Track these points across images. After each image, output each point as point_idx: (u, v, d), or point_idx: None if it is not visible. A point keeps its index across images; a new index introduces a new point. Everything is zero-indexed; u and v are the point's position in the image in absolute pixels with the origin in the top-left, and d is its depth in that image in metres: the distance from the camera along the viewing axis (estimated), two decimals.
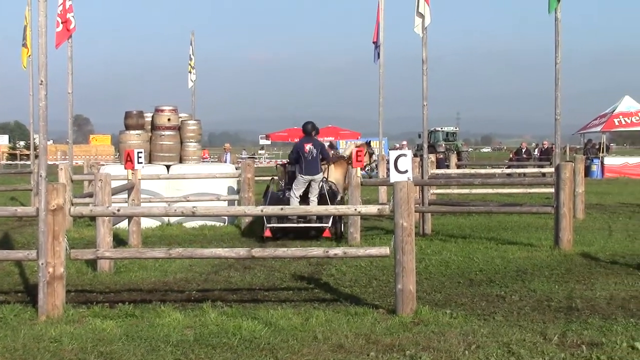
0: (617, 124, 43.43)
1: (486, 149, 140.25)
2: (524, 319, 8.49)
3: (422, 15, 15.55)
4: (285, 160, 20.05)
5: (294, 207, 9.68)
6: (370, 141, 25.56)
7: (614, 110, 43.81)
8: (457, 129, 66.42)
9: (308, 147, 16.02)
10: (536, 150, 46.43)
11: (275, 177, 17.78)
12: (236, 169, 20.63)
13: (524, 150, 44.79)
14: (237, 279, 11.30)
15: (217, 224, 18.18)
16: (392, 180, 8.86)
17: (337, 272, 11.66)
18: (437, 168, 27.09)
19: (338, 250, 9.51)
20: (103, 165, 25.67)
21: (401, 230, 8.60)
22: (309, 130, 16.42)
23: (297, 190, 15.76)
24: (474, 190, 22.59)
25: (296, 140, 18.94)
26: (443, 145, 54.64)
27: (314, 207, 9.93)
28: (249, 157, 53.74)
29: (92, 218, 15.61)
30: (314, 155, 15.99)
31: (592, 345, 7.14)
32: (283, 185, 17.03)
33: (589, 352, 6.91)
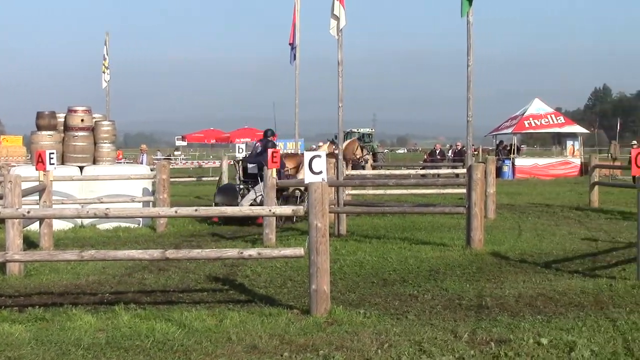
0: (527, 125, 44.45)
1: (402, 150, 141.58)
2: (435, 317, 8.64)
3: (337, 17, 15.65)
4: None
5: (207, 208, 9.64)
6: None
7: (524, 113, 44.82)
8: (373, 130, 66.90)
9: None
10: (450, 151, 47.18)
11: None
12: (151, 170, 20.42)
13: (437, 152, 45.50)
14: (151, 281, 11.21)
15: (132, 225, 17.97)
16: (306, 182, 8.92)
17: (252, 273, 11.66)
18: (353, 169, 27.30)
19: (253, 251, 9.52)
20: (14, 166, 25.08)
21: (315, 231, 8.65)
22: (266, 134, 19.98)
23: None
24: (389, 191, 22.87)
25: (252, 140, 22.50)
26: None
27: (229, 209, 9.90)
28: (164, 158, 53.21)
29: (2, 220, 15.26)
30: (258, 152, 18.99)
31: (500, 342, 7.31)
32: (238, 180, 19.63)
33: (497, 349, 7.07)
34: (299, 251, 9.06)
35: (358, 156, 24.51)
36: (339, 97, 15.91)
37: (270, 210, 10.05)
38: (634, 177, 11.21)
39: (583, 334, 7.59)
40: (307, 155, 9.17)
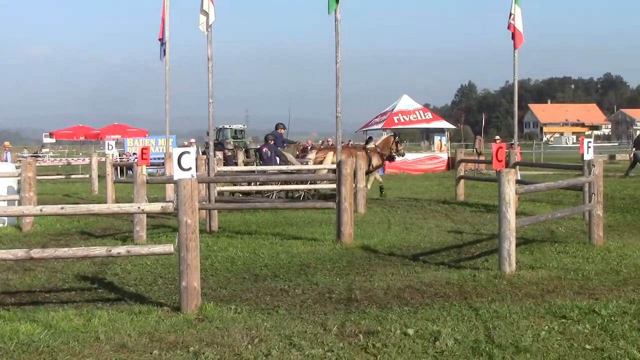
0: (396, 121, 45.29)
1: None
2: (306, 311, 8.73)
3: (206, 13, 15.59)
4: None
5: (74, 206, 9.42)
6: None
7: (393, 109, 45.69)
8: (246, 126, 66.88)
9: (264, 150, 22.96)
10: (322, 147, 47.54)
11: None
12: (17, 168, 19.80)
13: (309, 147, 45.75)
14: (16, 282, 10.89)
15: None
16: (175, 178, 8.85)
17: (122, 271, 11.50)
18: (225, 165, 27.19)
19: (121, 249, 9.37)
20: None
21: (185, 227, 8.61)
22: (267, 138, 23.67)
23: None
24: (261, 187, 22.87)
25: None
26: (231, 142, 54.77)
27: (96, 206, 9.69)
28: (31, 156, 51.62)
29: None
30: (269, 156, 23.05)
31: (368, 334, 7.46)
32: None
33: (366, 340, 7.21)
34: (169, 248, 8.99)
35: (394, 151, 25.54)
36: (209, 93, 15.84)
37: (139, 208, 9.91)
38: (496, 171, 11.61)
39: (447, 323, 7.82)
40: (176, 152, 9.09)
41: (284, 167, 21.66)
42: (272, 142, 23.74)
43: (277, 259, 12.53)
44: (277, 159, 23.23)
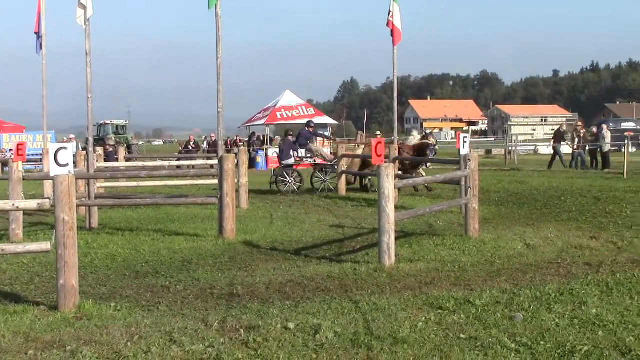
0: (279, 117, 45.39)
1: (158, 142, 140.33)
2: (187, 307, 8.69)
3: (84, 7, 15.28)
4: None
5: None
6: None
7: (276, 104, 45.77)
8: (128, 122, 66.04)
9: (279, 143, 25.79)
10: (205, 143, 47.34)
11: None
12: None
13: (192, 143, 45.49)
14: None
15: None
16: (52, 174, 8.65)
17: None
18: (106, 161, 26.73)
19: None
20: None
21: (62, 224, 8.43)
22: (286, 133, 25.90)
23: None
24: (143, 183, 22.60)
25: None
26: (113, 138, 53.89)
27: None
28: None
29: None
30: (282, 150, 25.27)
31: (249, 329, 7.48)
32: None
33: (247, 335, 7.23)
34: (45, 246, 8.80)
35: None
36: (87, 87, 15.55)
37: (14, 205, 9.66)
38: (376, 166, 11.81)
39: (328, 316, 7.92)
40: (53, 148, 8.89)
41: (165, 164, 21.39)
42: (290, 137, 25.50)
43: (158, 256, 12.42)
44: (293, 152, 24.98)
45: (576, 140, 36.31)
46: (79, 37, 15.67)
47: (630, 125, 67.41)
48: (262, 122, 45.36)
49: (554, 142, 37.72)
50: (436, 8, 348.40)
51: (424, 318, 7.81)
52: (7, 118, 61.55)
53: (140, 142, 77.71)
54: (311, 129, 26.08)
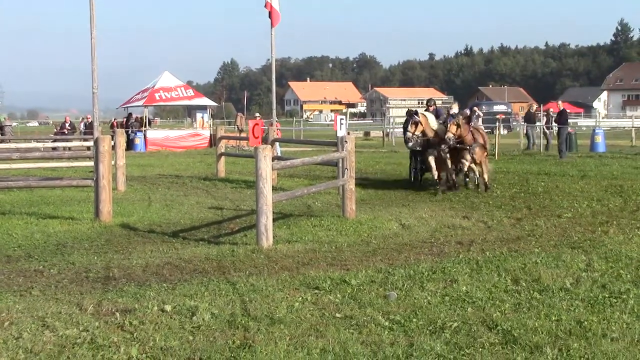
0: (158, 98, 44.81)
1: (33, 124, 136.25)
2: (61, 292, 8.52)
3: None
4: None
5: None
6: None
7: (154, 85, 45.13)
8: (1, 103, 63.98)
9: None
10: (82, 124, 46.29)
11: None
12: None
13: (67, 124, 44.41)
14: None
15: None
16: None
17: None
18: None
19: None
20: None
21: None
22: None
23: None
24: (16, 165, 21.98)
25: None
26: None
27: None
28: None
29: None
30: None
31: (125, 312, 7.41)
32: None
33: (123, 318, 7.16)
34: None
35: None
36: None
37: None
38: (253, 148, 11.85)
39: (205, 298, 7.92)
40: None
41: (40, 145, 20.82)
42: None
43: (31, 239, 12.13)
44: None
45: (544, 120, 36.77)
46: None
47: (502, 108, 69.48)
48: (140, 103, 44.63)
49: (526, 124, 37.84)
50: None
51: (300, 298, 7.91)
52: None
53: (14, 124, 75.23)
54: (431, 107, 21.17)
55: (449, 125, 18.40)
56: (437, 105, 22.04)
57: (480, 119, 36.19)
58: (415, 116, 18.64)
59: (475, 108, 32.47)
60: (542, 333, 6.66)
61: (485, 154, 19.36)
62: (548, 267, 9.33)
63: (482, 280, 8.66)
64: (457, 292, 8.09)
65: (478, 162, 18.80)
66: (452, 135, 18.14)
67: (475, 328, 6.82)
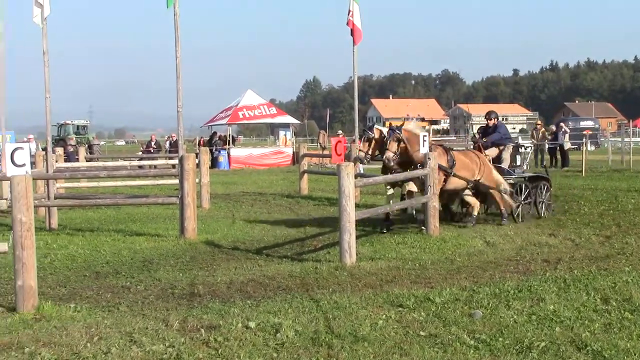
0: (241, 116, 45.30)
1: (120, 142, 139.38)
2: (148, 307, 8.65)
3: (40, 5, 15.16)
4: None
5: None
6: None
7: (238, 104, 45.63)
8: (89, 122, 65.65)
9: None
10: (167, 142, 47.12)
11: None
12: None
13: (153, 143, 45.26)
14: None
15: None
16: (8, 175, 8.57)
17: None
18: (67, 162, 26.52)
19: None
20: None
21: (20, 225, 8.35)
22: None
23: None
24: (104, 184, 22.47)
25: None
26: (74, 138, 53.49)
27: None
28: None
29: None
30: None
31: (210, 328, 7.46)
32: None
33: (208, 335, 7.21)
34: (2, 247, 8.72)
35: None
36: (45, 87, 15.42)
37: None
38: (336, 165, 11.86)
39: (289, 315, 7.93)
40: (9, 148, 8.80)
41: (127, 164, 21.22)
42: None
43: (119, 256, 12.35)
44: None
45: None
46: (38, 36, 15.54)
47: (589, 123, 68.27)
48: (224, 121, 45.20)
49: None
50: (397, 8, 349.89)
51: (384, 316, 7.85)
52: None
53: (102, 142, 77.13)
54: (490, 122, 17.48)
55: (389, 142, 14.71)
56: (501, 120, 17.90)
57: (567, 135, 35.66)
58: (370, 132, 15.44)
59: (562, 124, 31.91)
60: (635, 355, 6.46)
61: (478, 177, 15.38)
62: None
63: (570, 299, 8.45)
64: (544, 311, 7.91)
65: (445, 188, 14.86)
66: (392, 154, 14.46)
67: (564, 348, 6.65)
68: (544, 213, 16.51)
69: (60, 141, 47.48)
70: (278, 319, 7.72)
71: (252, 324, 7.53)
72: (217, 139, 45.24)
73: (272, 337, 7.14)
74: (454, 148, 17.43)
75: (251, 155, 43.81)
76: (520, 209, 15.88)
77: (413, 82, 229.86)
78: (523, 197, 16.09)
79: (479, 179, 15.37)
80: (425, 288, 9.25)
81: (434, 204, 13.77)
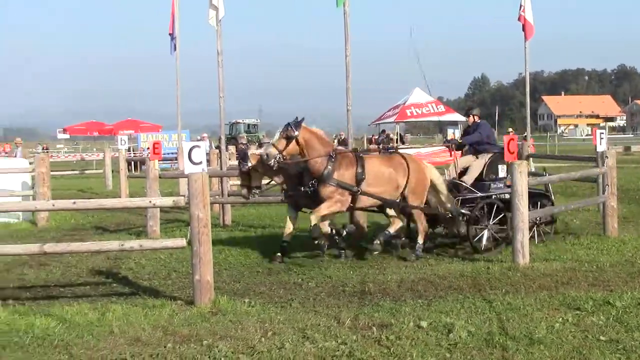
0: (409, 114, 45.04)
1: None
2: (319, 304, 8.73)
3: (216, 8, 15.61)
4: None
5: (86, 201, 9.48)
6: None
7: (405, 102, 45.44)
8: (259, 121, 67.14)
9: None
10: (335, 140, 47.57)
11: None
12: (30, 163, 19.90)
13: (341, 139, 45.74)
14: (32, 277, 10.96)
15: (12, 220, 17.50)
16: (186, 172, 8.84)
17: (137, 265, 11.54)
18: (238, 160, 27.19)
19: (134, 243, 9.41)
20: None
21: (197, 221, 8.60)
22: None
23: None
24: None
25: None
26: (245, 137, 54.90)
27: (108, 201, 9.73)
28: (42, 151, 51.93)
29: None
30: None
31: (382, 327, 7.45)
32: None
33: (379, 333, 7.20)
34: (181, 242, 9.01)
35: None
36: (219, 87, 15.86)
37: (150, 202, 9.94)
38: (508, 163, 11.54)
39: (461, 315, 7.80)
40: (186, 146, 9.07)
41: None
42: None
43: (289, 252, 12.51)
44: None
45: None
46: (212, 37, 16.01)
47: None
48: (391, 119, 45.13)
49: None
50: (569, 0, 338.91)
51: (560, 319, 7.59)
52: (144, 118, 63.65)
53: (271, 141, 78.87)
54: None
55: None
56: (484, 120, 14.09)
57: None
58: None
59: None
60: None
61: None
62: None
63: None
64: None
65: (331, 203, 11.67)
66: (276, 152, 11.47)
67: None
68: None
69: (231, 140, 48.81)
70: (450, 319, 7.62)
71: (424, 324, 7.47)
72: (384, 137, 45.23)
73: (444, 337, 7.05)
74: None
75: (419, 154, 43.43)
76: (486, 233, 12.31)
77: (586, 77, 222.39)
78: (492, 220, 12.38)
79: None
80: (604, 291, 8.89)
81: (612, 204, 13.22)
